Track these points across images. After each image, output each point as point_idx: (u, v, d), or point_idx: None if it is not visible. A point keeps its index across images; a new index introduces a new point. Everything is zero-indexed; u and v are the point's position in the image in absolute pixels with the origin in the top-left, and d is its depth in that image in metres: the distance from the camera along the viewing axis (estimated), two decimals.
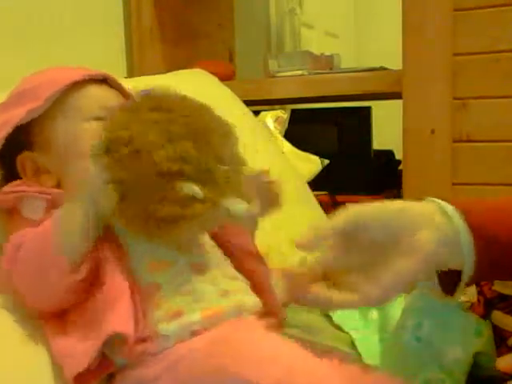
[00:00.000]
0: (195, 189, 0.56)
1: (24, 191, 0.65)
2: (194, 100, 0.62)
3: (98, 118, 0.68)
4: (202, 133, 0.58)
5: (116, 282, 0.58)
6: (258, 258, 0.72)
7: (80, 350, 0.57)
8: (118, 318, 0.56)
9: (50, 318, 0.61)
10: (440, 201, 0.58)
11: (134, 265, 0.61)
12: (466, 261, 0.56)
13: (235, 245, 0.70)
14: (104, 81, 0.72)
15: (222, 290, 0.62)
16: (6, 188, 0.66)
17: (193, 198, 0.56)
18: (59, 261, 0.58)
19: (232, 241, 0.70)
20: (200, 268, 0.63)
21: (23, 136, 0.69)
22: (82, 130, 0.67)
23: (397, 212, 0.58)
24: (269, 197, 0.71)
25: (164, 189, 0.55)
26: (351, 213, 0.59)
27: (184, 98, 0.61)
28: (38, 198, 0.64)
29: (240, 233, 0.71)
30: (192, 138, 0.57)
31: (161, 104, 0.59)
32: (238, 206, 0.58)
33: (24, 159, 0.69)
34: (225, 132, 0.61)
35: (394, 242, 0.57)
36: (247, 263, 0.69)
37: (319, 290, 0.58)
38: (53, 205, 0.63)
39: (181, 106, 0.60)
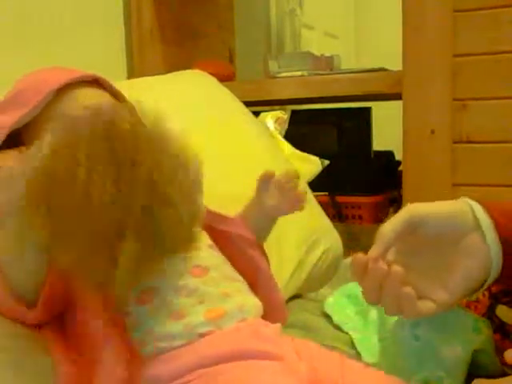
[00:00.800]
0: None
1: None
2: (145, 129, 0.58)
3: None
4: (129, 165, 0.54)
5: (98, 327, 0.57)
6: (259, 248, 0.72)
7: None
8: (108, 374, 0.56)
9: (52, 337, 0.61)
10: (478, 210, 0.59)
11: None
12: (492, 273, 0.58)
13: (236, 235, 0.70)
14: (95, 82, 0.72)
15: (222, 292, 0.62)
16: None
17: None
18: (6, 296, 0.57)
19: (233, 231, 0.70)
20: (199, 271, 0.63)
21: (16, 142, 0.68)
22: None
23: (454, 211, 0.60)
24: (291, 199, 0.71)
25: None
26: (408, 209, 0.60)
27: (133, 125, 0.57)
28: None
29: (240, 224, 0.71)
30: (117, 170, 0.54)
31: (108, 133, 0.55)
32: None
33: None
34: (172, 167, 0.57)
35: (451, 240, 0.59)
36: (249, 254, 0.69)
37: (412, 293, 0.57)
38: None
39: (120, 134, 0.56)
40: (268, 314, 0.66)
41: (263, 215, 0.73)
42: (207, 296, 0.61)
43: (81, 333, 0.59)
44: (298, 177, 0.71)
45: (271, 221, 0.75)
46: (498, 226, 0.58)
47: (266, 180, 0.72)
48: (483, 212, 0.59)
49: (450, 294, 0.59)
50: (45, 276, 0.58)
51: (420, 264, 0.61)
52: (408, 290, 0.57)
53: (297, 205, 0.71)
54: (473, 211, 0.59)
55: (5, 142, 0.67)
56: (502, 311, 0.70)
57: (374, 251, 0.58)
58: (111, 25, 1.55)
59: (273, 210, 0.72)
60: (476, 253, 0.58)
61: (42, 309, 0.58)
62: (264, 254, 0.72)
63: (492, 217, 0.59)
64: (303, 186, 0.70)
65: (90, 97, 0.69)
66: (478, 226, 0.59)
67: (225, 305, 0.61)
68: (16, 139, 0.69)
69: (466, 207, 0.60)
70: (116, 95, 0.74)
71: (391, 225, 0.59)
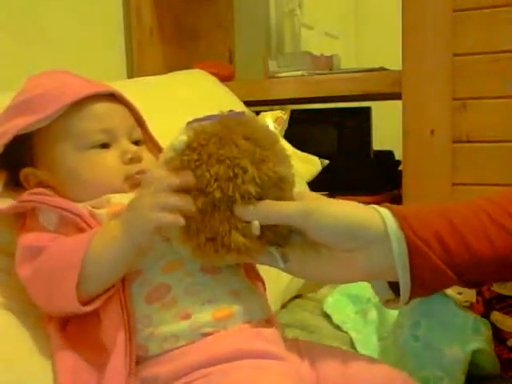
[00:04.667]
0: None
1: (42, 203, 0.64)
2: (276, 144, 0.61)
3: (98, 145, 0.68)
4: (280, 181, 0.59)
5: (112, 324, 0.58)
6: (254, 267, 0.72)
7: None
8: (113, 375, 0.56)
9: (56, 330, 0.61)
10: (390, 222, 0.57)
11: (146, 268, 0.62)
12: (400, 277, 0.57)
13: None
14: (111, 95, 0.72)
15: (232, 290, 0.62)
16: (26, 196, 0.66)
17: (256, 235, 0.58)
18: (70, 287, 0.57)
19: None
20: (212, 268, 0.63)
21: (26, 146, 0.69)
22: (80, 160, 0.67)
23: (360, 220, 0.58)
24: None
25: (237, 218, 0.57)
26: (307, 206, 0.59)
27: (273, 140, 0.61)
28: (53, 211, 0.63)
29: None
30: (273, 185, 0.58)
31: (254, 136, 0.59)
32: (280, 258, 0.61)
33: (27, 174, 0.69)
34: (293, 181, 0.62)
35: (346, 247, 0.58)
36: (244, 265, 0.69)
37: None
38: (66, 221, 0.63)
39: (271, 147, 0.60)
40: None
41: None
42: (216, 295, 0.61)
43: (90, 332, 0.60)
44: None
45: None
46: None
47: None
48: (395, 223, 0.57)
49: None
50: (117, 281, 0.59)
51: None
52: None
53: None
54: (384, 224, 0.57)
55: (12, 143, 0.67)
56: (496, 317, 0.70)
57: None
58: (111, 25, 1.55)
59: None
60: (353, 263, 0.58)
61: (94, 307, 0.59)
62: (258, 274, 0.72)
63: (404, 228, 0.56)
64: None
65: (106, 113, 0.69)
66: (386, 238, 0.56)
67: (233, 305, 0.61)
68: (25, 142, 0.69)
69: (374, 214, 0.58)
70: (131, 109, 0.74)
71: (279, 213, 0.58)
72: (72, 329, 0.62)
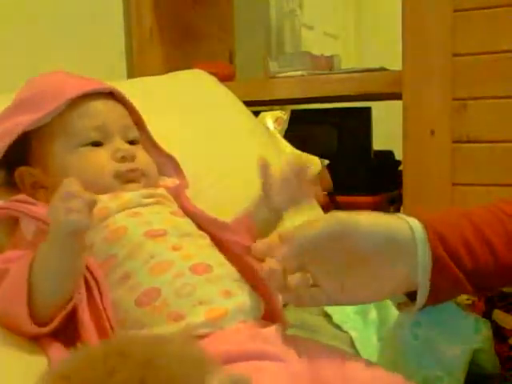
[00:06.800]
0: None
1: (18, 211, 0.64)
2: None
3: (89, 142, 0.68)
4: None
5: (92, 336, 0.57)
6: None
7: None
8: None
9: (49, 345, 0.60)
10: (417, 229, 0.57)
11: (135, 271, 0.61)
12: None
13: (233, 242, 0.69)
14: (110, 94, 0.72)
15: (224, 290, 0.62)
16: (7, 203, 0.66)
17: None
18: (22, 312, 0.56)
19: (230, 238, 0.70)
20: (202, 268, 0.63)
21: (24, 145, 0.69)
22: (72, 159, 0.67)
23: (390, 225, 0.58)
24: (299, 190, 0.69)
25: None
26: (335, 217, 0.58)
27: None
28: (31, 221, 0.63)
29: (237, 230, 0.71)
30: None
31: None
32: None
33: (22, 173, 0.69)
34: None
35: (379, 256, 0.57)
36: (246, 260, 0.69)
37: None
38: (41, 230, 0.62)
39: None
40: (266, 319, 0.66)
41: (271, 210, 0.72)
42: (208, 295, 0.61)
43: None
44: (304, 165, 0.68)
45: (279, 216, 0.74)
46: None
47: (265, 174, 0.70)
48: (422, 231, 0.57)
49: (354, 302, 0.63)
50: (69, 295, 0.58)
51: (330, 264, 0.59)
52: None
53: (308, 196, 0.69)
54: (411, 230, 0.57)
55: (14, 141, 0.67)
56: (498, 316, 0.70)
57: (284, 254, 0.57)
58: (111, 26, 1.55)
59: (281, 204, 0.71)
60: (395, 279, 0.58)
61: (52, 327, 0.58)
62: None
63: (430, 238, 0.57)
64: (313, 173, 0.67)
65: (103, 109, 0.69)
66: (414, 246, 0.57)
67: (226, 304, 0.61)
68: (22, 141, 0.69)
69: (403, 224, 0.58)
70: (130, 109, 0.74)
71: (314, 230, 0.57)
72: (65, 339, 0.61)
